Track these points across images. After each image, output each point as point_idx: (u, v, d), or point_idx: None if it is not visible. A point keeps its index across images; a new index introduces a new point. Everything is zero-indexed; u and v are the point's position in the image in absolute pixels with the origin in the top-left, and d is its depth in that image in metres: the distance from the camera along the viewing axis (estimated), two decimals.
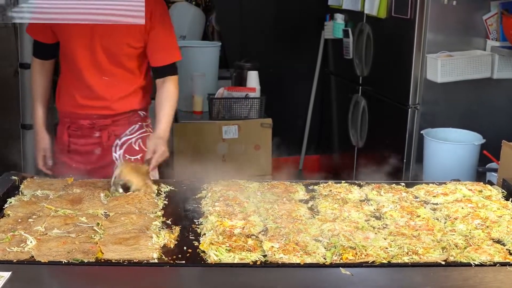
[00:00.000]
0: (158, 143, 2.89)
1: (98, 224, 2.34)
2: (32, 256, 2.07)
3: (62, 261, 2.04)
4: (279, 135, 5.23)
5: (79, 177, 2.85)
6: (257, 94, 4.90)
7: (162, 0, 3.11)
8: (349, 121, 5.45)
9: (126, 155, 3.12)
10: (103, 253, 2.11)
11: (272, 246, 2.15)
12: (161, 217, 2.46)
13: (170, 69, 3.09)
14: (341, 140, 5.84)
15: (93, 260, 2.06)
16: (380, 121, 5.02)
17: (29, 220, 2.35)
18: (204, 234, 2.29)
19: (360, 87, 5.25)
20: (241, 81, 5.07)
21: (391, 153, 4.59)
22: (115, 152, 3.12)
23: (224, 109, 4.81)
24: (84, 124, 3.10)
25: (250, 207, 2.53)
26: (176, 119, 4.63)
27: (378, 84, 5.00)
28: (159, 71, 3.10)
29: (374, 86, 5.07)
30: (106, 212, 2.49)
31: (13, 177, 2.76)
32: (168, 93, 3.06)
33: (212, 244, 2.16)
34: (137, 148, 3.15)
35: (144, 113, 3.19)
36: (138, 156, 3.12)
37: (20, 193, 2.67)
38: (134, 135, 3.15)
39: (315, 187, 2.82)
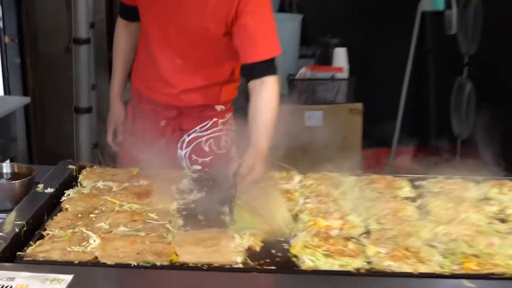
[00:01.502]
0: (257, 161, 2.52)
1: (170, 221, 2.30)
2: (96, 257, 2.03)
3: (131, 264, 2.00)
4: (367, 123, 5.16)
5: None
6: (345, 74, 4.83)
7: None
8: (451, 107, 5.32)
9: (193, 155, 2.99)
10: (177, 255, 2.05)
11: (378, 252, 2.07)
12: None
13: (266, 68, 2.72)
14: (441, 130, 5.71)
15: (167, 263, 2.01)
16: (489, 107, 4.84)
17: (91, 215, 2.32)
18: (295, 235, 2.22)
19: (466, 68, 5.10)
20: (325, 60, 4.99)
21: (503, 144, 4.42)
22: (181, 150, 3.00)
23: (307, 92, 4.74)
24: (147, 108, 3.00)
25: (347, 205, 2.45)
26: None
27: (488, 63, 4.85)
28: (253, 70, 2.74)
29: (482, 66, 4.92)
30: (179, 208, 2.44)
31: (70, 166, 2.75)
32: (268, 98, 2.69)
33: (306, 247, 2.09)
34: (207, 149, 2.98)
35: (222, 107, 3.00)
36: (208, 159, 2.96)
37: (78, 184, 2.64)
38: (206, 133, 2.99)
39: (423, 182, 2.72)
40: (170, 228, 2.24)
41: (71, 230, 2.20)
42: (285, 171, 2.78)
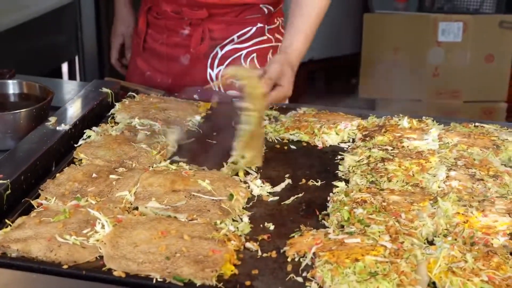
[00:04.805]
0: (286, 69, 2.18)
1: (231, 196, 1.67)
2: (101, 258, 1.43)
3: (151, 279, 1.36)
4: None
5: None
6: None
7: None
8: None
9: None
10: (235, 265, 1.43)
11: None
12: None
13: None
14: None
15: (212, 283, 1.34)
16: None
17: (111, 176, 1.76)
18: (432, 239, 1.50)
19: None
20: None
21: None
22: (212, 68, 2.55)
23: None
24: (167, 10, 2.56)
25: None
26: (367, 8, 4.29)
27: None
28: None
29: None
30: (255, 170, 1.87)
31: (105, 90, 2.21)
32: None
33: (454, 273, 1.33)
34: (248, 66, 2.56)
35: (270, 8, 2.54)
36: None
37: (110, 119, 2.12)
38: (247, 44, 2.55)
39: None
40: (229, 209, 1.60)
41: (74, 202, 1.63)
42: (414, 120, 2.06)
